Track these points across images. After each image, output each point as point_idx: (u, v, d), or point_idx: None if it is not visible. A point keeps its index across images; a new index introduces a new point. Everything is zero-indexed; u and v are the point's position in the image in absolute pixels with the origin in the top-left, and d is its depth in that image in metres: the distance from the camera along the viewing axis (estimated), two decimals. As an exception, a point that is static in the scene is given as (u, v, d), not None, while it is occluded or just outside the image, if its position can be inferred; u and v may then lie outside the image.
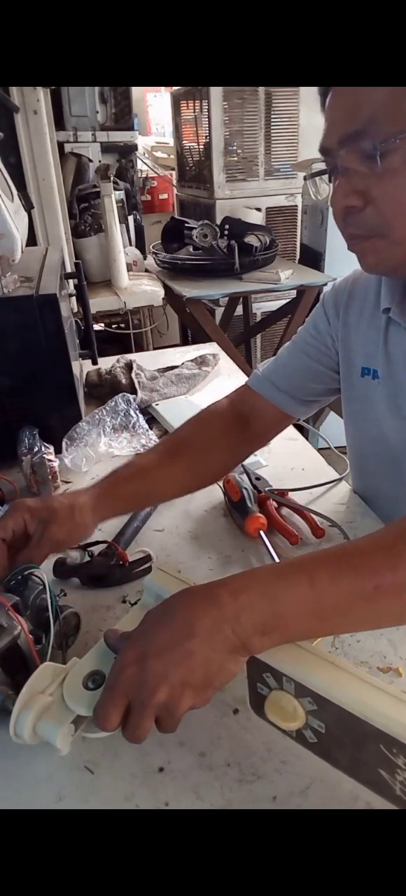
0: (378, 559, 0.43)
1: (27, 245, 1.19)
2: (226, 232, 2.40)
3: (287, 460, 0.97)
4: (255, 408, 0.81)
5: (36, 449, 0.90)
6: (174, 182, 3.54)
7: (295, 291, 2.49)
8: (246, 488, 0.81)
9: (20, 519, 0.62)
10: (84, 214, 2.62)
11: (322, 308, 0.79)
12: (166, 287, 2.48)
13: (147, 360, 1.36)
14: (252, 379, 0.83)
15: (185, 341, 3.37)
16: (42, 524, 0.62)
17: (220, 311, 2.92)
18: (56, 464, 0.91)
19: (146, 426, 1.08)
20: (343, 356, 0.76)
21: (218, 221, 2.52)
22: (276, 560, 0.71)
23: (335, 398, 0.83)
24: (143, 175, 3.71)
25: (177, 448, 0.77)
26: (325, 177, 0.60)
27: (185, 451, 0.76)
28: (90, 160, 2.88)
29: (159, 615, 0.44)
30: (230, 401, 0.83)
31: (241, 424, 0.81)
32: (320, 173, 0.60)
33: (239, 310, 2.97)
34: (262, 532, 0.75)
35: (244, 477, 0.84)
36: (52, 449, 0.91)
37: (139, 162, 3.48)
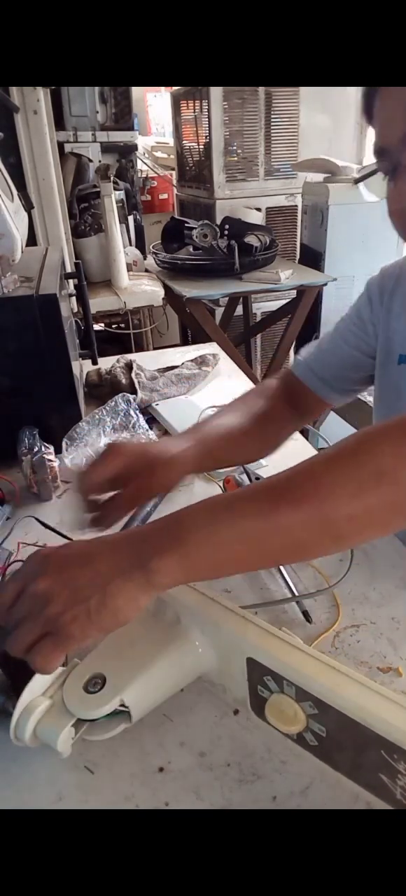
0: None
1: (27, 245, 1.19)
2: (226, 232, 2.40)
3: (287, 460, 0.96)
4: (299, 391, 0.83)
5: (36, 449, 0.89)
6: (174, 182, 3.55)
7: (295, 291, 2.49)
8: (246, 488, 0.81)
9: (116, 466, 0.59)
10: (84, 214, 2.62)
11: (366, 294, 0.78)
12: (166, 287, 2.48)
13: (147, 360, 1.36)
14: (294, 364, 0.85)
15: (185, 341, 3.37)
16: (137, 476, 0.60)
17: (220, 311, 2.92)
18: (56, 464, 0.91)
19: (146, 426, 1.08)
20: (382, 342, 0.76)
21: (218, 221, 2.52)
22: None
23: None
24: (143, 175, 3.71)
25: (259, 415, 0.76)
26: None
27: (263, 418, 0.77)
28: (90, 160, 2.88)
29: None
30: (280, 379, 0.85)
31: (292, 401, 0.82)
32: (373, 173, 0.58)
33: (239, 310, 2.97)
34: (262, 532, 0.75)
35: (244, 477, 0.84)
36: (52, 449, 0.91)
37: (139, 162, 3.48)
